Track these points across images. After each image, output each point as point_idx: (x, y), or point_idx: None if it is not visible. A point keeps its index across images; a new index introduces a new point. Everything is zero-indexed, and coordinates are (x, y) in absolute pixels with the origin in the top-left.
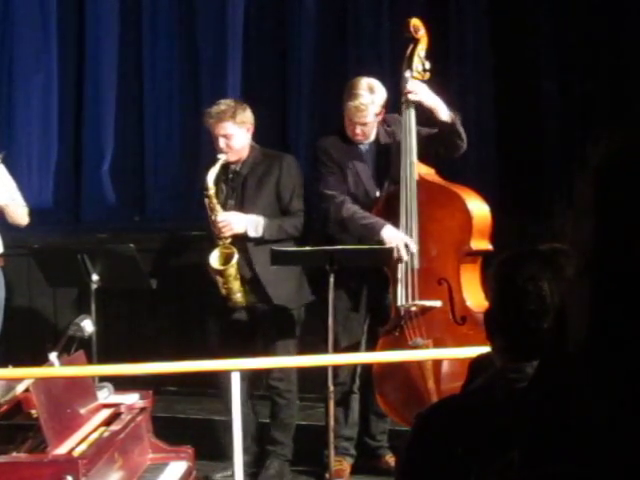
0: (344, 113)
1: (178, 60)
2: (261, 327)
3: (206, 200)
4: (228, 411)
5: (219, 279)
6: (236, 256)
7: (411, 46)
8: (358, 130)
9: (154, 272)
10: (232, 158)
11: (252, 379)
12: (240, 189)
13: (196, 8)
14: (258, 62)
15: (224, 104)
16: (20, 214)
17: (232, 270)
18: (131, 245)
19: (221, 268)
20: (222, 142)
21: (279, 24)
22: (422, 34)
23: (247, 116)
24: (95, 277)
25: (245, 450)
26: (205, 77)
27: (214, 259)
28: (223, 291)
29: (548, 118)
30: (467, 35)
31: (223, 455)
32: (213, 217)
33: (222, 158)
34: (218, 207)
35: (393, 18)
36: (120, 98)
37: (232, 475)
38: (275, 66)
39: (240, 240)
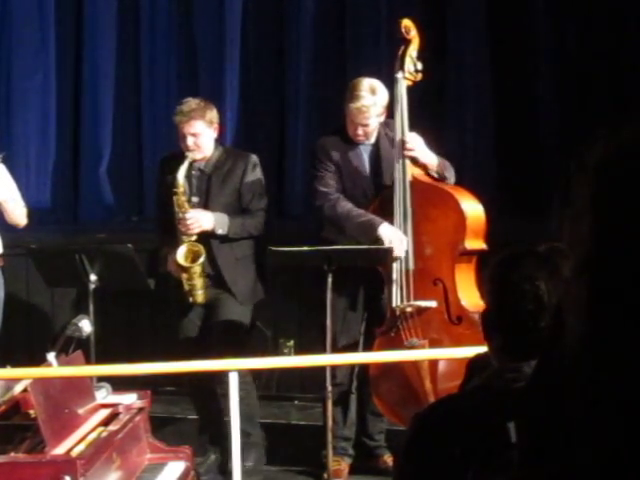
0: (345, 113)
1: (176, 60)
2: (217, 323)
3: (174, 197)
4: (197, 410)
5: (184, 275)
6: (204, 255)
7: (403, 47)
8: (360, 131)
9: (152, 272)
10: (198, 156)
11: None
12: (205, 187)
13: (194, 8)
14: (256, 62)
15: (194, 103)
16: (19, 214)
17: (197, 268)
18: (129, 245)
19: (188, 265)
20: (190, 140)
21: (277, 24)
22: (414, 35)
23: (215, 115)
24: (93, 277)
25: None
26: (203, 77)
27: (181, 256)
28: (186, 287)
29: (546, 117)
30: (466, 34)
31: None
32: (181, 214)
33: (190, 156)
34: (186, 204)
35: (391, 19)
36: (118, 98)
37: (211, 463)
38: (273, 66)
39: (203, 237)
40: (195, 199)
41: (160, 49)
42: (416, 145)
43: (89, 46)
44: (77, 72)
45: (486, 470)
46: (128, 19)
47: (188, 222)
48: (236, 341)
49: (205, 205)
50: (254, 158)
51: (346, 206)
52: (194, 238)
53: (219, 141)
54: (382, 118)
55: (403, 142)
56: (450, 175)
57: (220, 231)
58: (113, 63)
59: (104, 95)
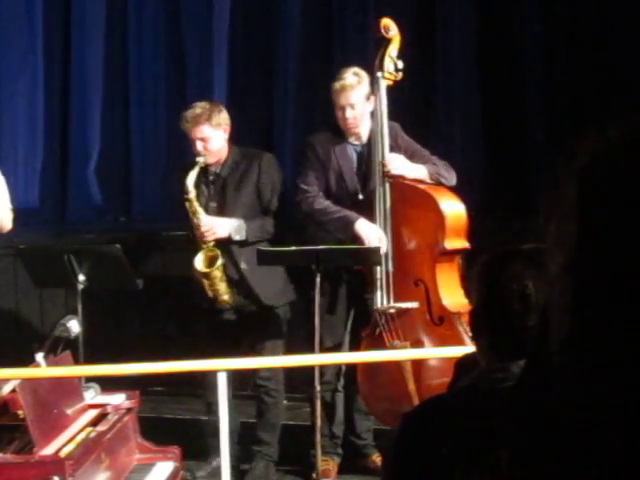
0: (334, 103)
1: (164, 60)
2: (248, 327)
3: (187, 204)
4: (209, 411)
5: (205, 282)
6: (220, 258)
7: (382, 46)
8: (348, 114)
9: (140, 272)
10: (211, 160)
11: (238, 379)
12: (221, 191)
13: (182, 9)
14: (244, 62)
15: (199, 107)
16: (6, 217)
17: (217, 272)
18: (117, 245)
19: (206, 271)
20: (199, 145)
21: (265, 24)
22: (393, 34)
23: (223, 117)
24: (81, 277)
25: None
26: (191, 77)
27: (199, 262)
28: (210, 293)
29: (533, 118)
30: (455, 34)
31: (208, 454)
32: (195, 220)
33: (200, 161)
34: (200, 210)
35: (379, 19)
36: (106, 98)
37: (215, 468)
38: (261, 66)
39: (224, 242)
40: (213, 204)
41: (148, 50)
42: (397, 165)
43: (77, 46)
44: (65, 72)
45: (474, 470)
46: (116, 20)
47: (203, 230)
48: (275, 347)
49: (222, 210)
50: (269, 156)
51: (323, 203)
52: (212, 243)
53: (242, 142)
54: (371, 106)
55: (383, 165)
56: (448, 175)
57: (237, 237)
58: (101, 64)
59: (92, 95)
